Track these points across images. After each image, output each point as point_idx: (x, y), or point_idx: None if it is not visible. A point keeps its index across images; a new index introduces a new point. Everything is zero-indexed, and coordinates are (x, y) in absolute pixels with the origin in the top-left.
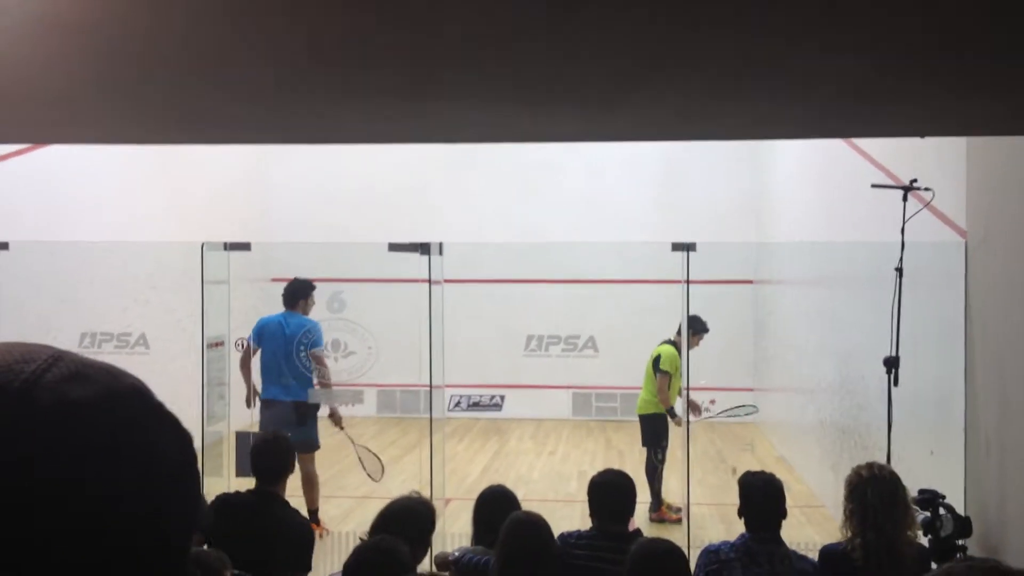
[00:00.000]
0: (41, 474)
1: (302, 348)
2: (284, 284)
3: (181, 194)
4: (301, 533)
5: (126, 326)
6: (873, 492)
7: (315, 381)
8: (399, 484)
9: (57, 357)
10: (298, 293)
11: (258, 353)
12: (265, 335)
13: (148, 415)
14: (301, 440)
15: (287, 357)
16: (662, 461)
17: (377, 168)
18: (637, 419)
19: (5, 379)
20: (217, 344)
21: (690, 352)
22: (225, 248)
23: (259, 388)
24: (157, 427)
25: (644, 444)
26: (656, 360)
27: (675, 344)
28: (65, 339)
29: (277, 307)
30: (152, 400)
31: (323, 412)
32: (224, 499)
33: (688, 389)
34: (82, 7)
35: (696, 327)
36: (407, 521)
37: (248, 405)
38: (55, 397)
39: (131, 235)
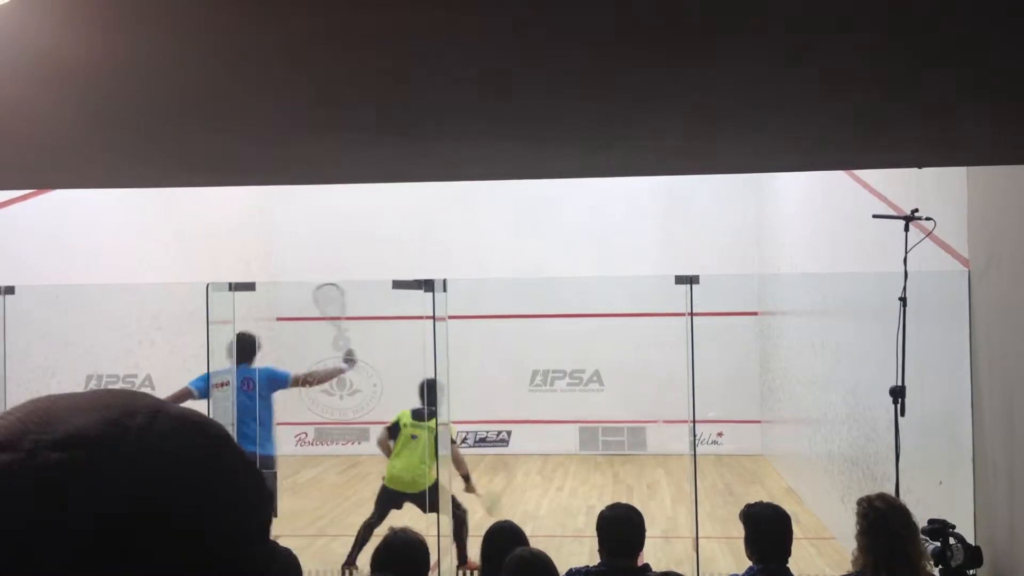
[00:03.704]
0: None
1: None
2: (290, 324)
3: (185, 236)
4: (284, 564)
5: (132, 367)
6: (896, 522)
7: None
8: (406, 521)
9: (157, 409)
10: (249, 349)
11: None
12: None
13: (234, 456)
14: None
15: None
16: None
17: (380, 207)
18: (645, 454)
19: (116, 432)
20: (223, 384)
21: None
22: (230, 288)
23: None
24: (241, 467)
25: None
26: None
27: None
28: (71, 382)
29: (283, 347)
30: (236, 453)
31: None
32: None
33: (695, 421)
34: (81, 53)
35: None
36: (404, 557)
37: None
38: (161, 445)
39: (136, 277)
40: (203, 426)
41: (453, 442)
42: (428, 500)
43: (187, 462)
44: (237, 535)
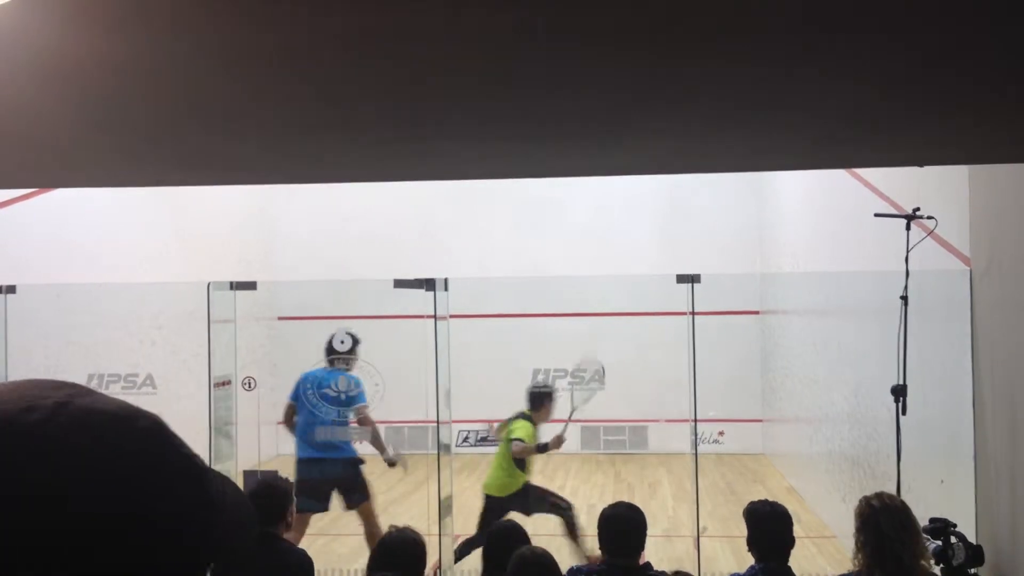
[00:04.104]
0: (54, 521)
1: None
2: (291, 323)
3: (186, 235)
4: (299, 562)
5: (133, 367)
6: (887, 522)
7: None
8: (408, 521)
9: (62, 404)
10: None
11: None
12: (303, 390)
13: (162, 451)
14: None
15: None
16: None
17: (381, 205)
18: (646, 453)
19: (11, 427)
20: (224, 383)
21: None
22: (231, 287)
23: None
24: (170, 461)
25: (548, 510)
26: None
27: (530, 418)
28: (73, 381)
29: (283, 346)
30: (161, 447)
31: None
32: None
33: (696, 420)
34: (81, 53)
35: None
36: (400, 555)
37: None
38: (61, 447)
39: (137, 276)
40: (125, 420)
41: (517, 440)
42: (526, 502)
43: (92, 456)
44: (158, 532)
